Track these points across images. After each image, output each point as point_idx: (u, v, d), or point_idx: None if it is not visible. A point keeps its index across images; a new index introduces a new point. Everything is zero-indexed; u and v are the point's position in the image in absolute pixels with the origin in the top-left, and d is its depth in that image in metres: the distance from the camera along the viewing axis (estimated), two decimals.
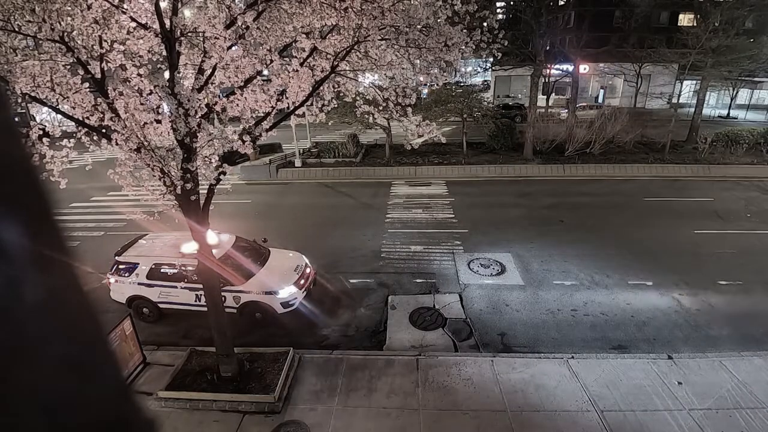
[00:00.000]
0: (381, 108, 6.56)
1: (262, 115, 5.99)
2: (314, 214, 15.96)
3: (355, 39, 5.60)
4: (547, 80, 35.56)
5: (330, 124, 9.23)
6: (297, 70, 5.68)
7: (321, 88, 6.09)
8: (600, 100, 39.59)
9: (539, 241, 13.16)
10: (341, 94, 6.67)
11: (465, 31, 5.76)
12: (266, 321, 9.26)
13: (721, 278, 10.88)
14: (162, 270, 9.35)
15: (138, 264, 9.43)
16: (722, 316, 9.49)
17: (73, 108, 5.30)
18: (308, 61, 5.87)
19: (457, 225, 14.62)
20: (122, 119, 5.33)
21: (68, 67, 5.15)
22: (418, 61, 6.06)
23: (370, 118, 7.53)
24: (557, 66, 31.88)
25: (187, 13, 5.47)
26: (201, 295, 8.49)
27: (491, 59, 25.57)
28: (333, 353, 8.40)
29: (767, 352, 8.23)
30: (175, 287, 9.25)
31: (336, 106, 6.82)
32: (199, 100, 5.24)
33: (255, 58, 5.34)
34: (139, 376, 7.92)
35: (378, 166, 20.93)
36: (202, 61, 5.33)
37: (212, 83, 5.51)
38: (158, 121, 5.45)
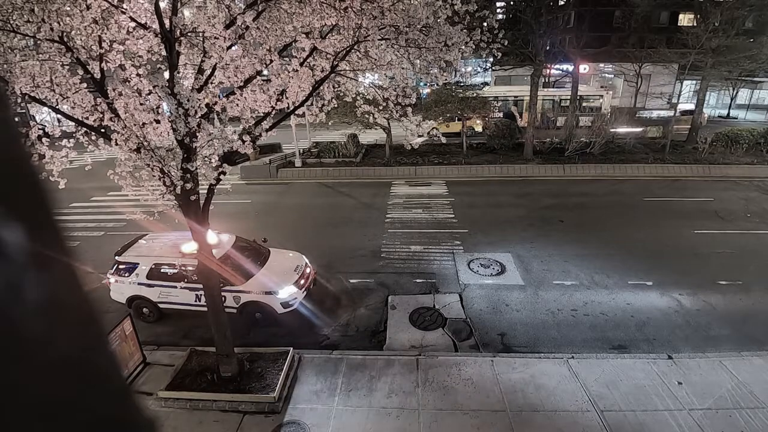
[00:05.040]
0: (381, 108, 6.56)
1: (262, 115, 5.99)
2: (314, 214, 15.96)
3: (355, 39, 5.59)
4: (547, 80, 35.59)
5: (330, 124, 9.23)
6: (297, 70, 5.68)
7: (321, 88, 6.09)
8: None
9: (539, 241, 13.17)
10: (341, 94, 6.67)
11: (465, 30, 5.75)
12: (266, 321, 9.26)
13: (721, 278, 10.88)
14: (162, 270, 9.34)
15: (138, 264, 9.43)
16: (722, 316, 9.49)
17: (73, 108, 5.30)
18: (308, 61, 5.87)
19: (457, 225, 14.62)
20: (122, 119, 5.33)
21: (68, 67, 5.15)
22: (418, 61, 6.06)
23: (370, 118, 7.53)
24: (557, 66, 31.88)
25: (187, 13, 5.46)
26: (201, 295, 8.49)
27: (491, 59, 25.60)
28: (333, 353, 8.40)
29: (767, 352, 8.24)
30: (175, 287, 9.25)
31: (336, 106, 6.82)
32: (199, 100, 5.24)
33: (255, 58, 5.34)
34: (139, 376, 7.92)
35: (378, 166, 20.93)
36: (202, 61, 5.33)
37: (212, 83, 5.51)
38: (158, 121, 5.45)
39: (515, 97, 29.84)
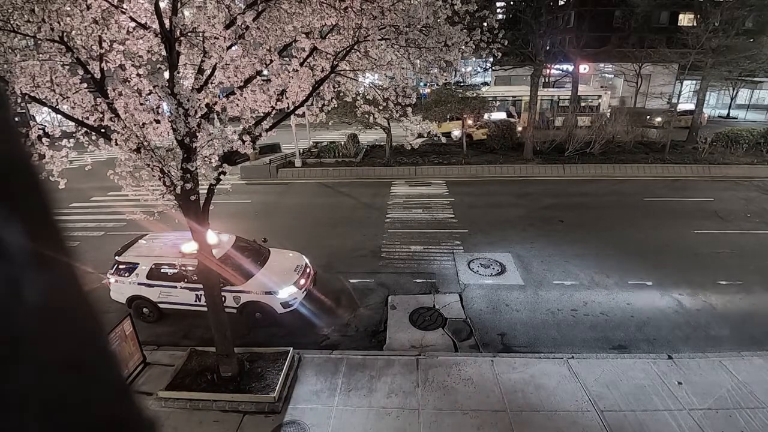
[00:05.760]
0: (381, 108, 6.56)
1: (262, 115, 6.00)
2: (314, 214, 15.96)
3: (355, 39, 5.59)
4: (547, 80, 35.62)
5: (330, 124, 9.23)
6: (297, 70, 5.68)
7: (321, 88, 6.10)
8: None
9: (539, 241, 13.16)
10: (341, 94, 6.67)
11: (465, 30, 5.75)
12: (266, 321, 9.26)
13: (721, 278, 10.88)
14: (162, 270, 9.34)
15: (138, 264, 9.43)
16: (722, 316, 9.49)
17: (73, 108, 5.30)
18: (308, 61, 5.87)
19: (457, 225, 14.62)
20: (122, 119, 5.33)
21: (68, 67, 5.15)
22: (418, 61, 6.06)
23: (370, 118, 7.53)
24: (557, 66, 31.91)
25: (187, 13, 5.46)
26: (201, 295, 8.49)
27: (491, 59, 25.63)
28: (333, 353, 8.40)
29: (767, 352, 8.24)
30: (175, 287, 9.24)
31: (336, 106, 6.81)
32: (199, 100, 5.24)
33: (255, 58, 5.34)
34: (139, 376, 7.92)
35: (378, 166, 20.93)
36: (202, 61, 5.33)
37: (212, 83, 5.51)
38: (158, 121, 5.45)
39: (513, 97, 29.86)
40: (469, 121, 23.54)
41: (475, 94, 23.67)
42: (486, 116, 25.05)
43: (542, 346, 8.67)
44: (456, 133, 24.39)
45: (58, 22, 4.73)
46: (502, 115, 26.19)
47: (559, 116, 26.77)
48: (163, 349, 8.70)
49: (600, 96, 29.85)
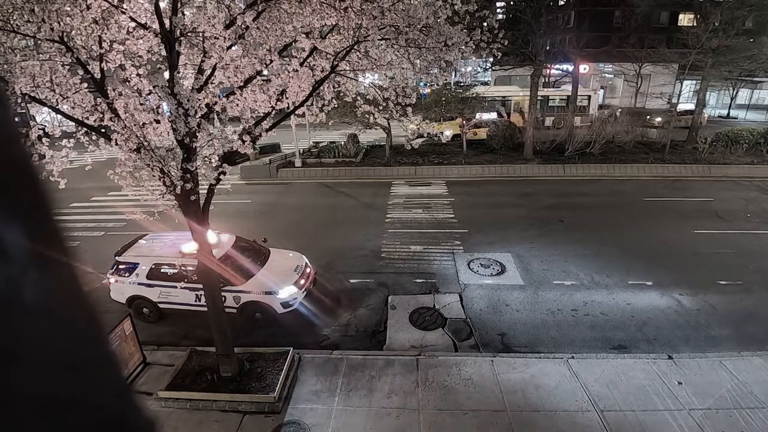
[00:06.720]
0: (381, 108, 6.56)
1: (262, 115, 6.00)
2: (314, 214, 15.96)
3: (355, 39, 5.60)
4: (547, 80, 35.64)
5: (330, 124, 9.23)
6: (297, 70, 5.68)
7: (321, 88, 6.10)
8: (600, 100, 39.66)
9: (539, 241, 13.16)
10: (341, 94, 6.67)
11: (465, 30, 5.76)
12: (266, 321, 9.26)
13: (721, 278, 10.88)
14: (162, 270, 9.34)
15: (138, 264, 9.43)
16: (722, 316, 9.49)
17: (73, 108, 5.30)
18: (308, 61, 5.87)
19: (457, 225, 14.62)
20: (122, 119, 5.33)
21: (68, 67, 5.15)
22: (418, 61, 6.06)
23: (370, 118, 7.53)
24: (557, 66, 31.91)
25: (187, 13, 5.46)
26: (201, 295, 8.49)
27: (491, 59, 25.65)
28: (333, 353, 8.40)
29: (767, 352, 8.24)
30: (175, 287, 9.24)
31: (336, 106, 6.81)
32: (199, 100, 5.24)
33: (255, 58, 5.34)
34: (139, 376, 7.92)
35: (378, 166, 20.93)
36: (202, 61, 5.33)
37: (212, 83, 5.51)
38: (158, 121, 5.45)
39: (502, 98, 29.82)
40: (456, 121, 23.39)
41: (474, 94, 23.71)
42: (477, 116, 25.06)
43: (542, 346, 8.67)
44: (447, 133, 24.41)
45: (58, 22, 4.72)
46: (493, 116, 26.28)
47: (547, 116, 26.82)
48: (163, 349, 8.70)
49: (589, 97, 29.94)
